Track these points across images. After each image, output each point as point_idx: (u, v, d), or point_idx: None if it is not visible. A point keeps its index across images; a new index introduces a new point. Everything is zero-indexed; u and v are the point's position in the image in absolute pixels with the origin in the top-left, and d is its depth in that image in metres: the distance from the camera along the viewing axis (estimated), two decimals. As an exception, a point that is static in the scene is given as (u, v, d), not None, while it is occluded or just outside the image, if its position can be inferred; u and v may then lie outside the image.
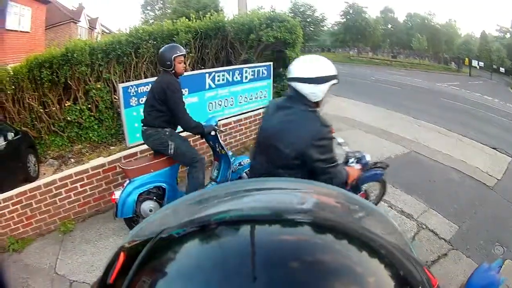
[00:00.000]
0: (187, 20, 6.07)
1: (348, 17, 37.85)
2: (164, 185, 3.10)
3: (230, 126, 4.90)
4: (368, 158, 2.34)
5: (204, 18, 6.23)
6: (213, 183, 3.38)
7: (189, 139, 3.52)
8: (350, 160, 2.30)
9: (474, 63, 32.32)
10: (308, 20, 34.64)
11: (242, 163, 3.54)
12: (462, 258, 3.30)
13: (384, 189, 3.34)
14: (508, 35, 36.24)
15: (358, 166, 2.23)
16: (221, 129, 3.63)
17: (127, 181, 3.05)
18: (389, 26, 36.12)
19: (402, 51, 32.63)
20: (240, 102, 5.54)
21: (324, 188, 0.84)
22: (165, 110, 3.01)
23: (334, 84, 1.70)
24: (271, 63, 5.92)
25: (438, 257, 3.30)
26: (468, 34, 37.58)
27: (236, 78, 5.40)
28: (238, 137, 5.09)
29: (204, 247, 0.60)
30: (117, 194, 3.00)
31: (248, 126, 5.12)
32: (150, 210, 3.05)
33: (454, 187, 5.06)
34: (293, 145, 1.66)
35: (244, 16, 6.56)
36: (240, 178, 3.52)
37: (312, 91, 1.66)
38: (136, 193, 2.98)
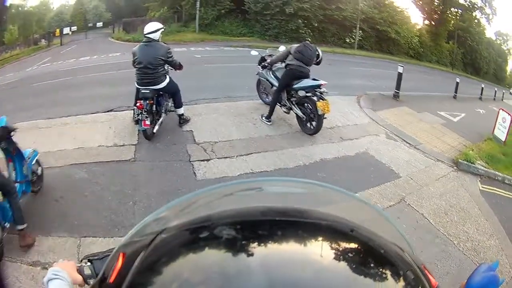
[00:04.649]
0: None
1: None
2: None
3: None
4: None
5: None
6: (17, 184, 3.17)
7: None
8: None
9: (66, 30, 29.81)
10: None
11: (29, 156, 3.48)
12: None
13: None
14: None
15: None
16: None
17: None
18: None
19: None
20: None
21: (322, 187, 0.85)
22: None
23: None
24: None
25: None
26: (61, 5, 36.87)
27: None
28: None
29: (205, 248, 0.60)
30: None
31: None
32: None
33: (89, 187, 3.71)
34: None
35: None
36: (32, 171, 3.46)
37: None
38: None
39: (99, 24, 31.40)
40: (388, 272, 0.58)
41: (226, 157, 4.33)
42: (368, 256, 0.60)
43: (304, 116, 5.08)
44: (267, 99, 5.83)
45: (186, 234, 0.62)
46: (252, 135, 4.97)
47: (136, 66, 4.65)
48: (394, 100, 8.58)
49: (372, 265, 0.58)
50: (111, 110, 5.83)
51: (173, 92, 4.88)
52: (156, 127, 4.72)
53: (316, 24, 19.65)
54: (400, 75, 8.61)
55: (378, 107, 7.51)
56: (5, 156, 3.30)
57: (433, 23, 26.40)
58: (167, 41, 5.42)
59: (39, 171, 3.66)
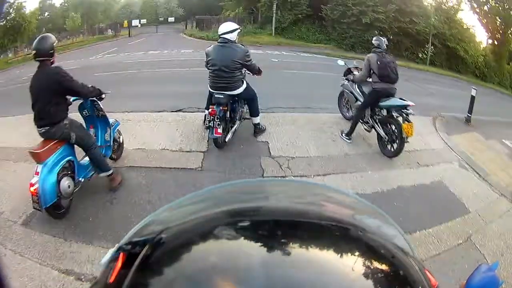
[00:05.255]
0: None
1: (8, 18, 29.91)
2: (71, 157, 3.12)
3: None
4: None
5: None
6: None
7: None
8: None
9: (135, 22, 31.44)
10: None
11: (112, 124, 3.75)
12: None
13: None
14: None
15: None
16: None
17: (39, 166, 2.88)
18: (46, 14, 31.72)
19: (57, 35, 28.86)
20: None
21: (325, 188, 0.89)
22: (62, 101, 3.07)
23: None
24: None
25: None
26: (127, -2, 37.44)
27: None
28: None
29: (205, 247, 0.61)
30: (36, 184, 2.79)
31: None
32: (69, 187, 3.03)
33: (146, 194, 3.48)
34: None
35: None
36: (114, 138, 3.79)
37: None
38: (55, 174, 2.89)
39: (171, 19, 32.32)
40: (389, 273, 0.58)
41: (303, 176, 3.96)
42: (369, 256, 0.60)
43: (386, 136, 4.71)
44: (347, 114, 5.46)
45: (186, 234, 0.62)
46: (330, 152, 4.59)
47: (210, 68, 4.30)
48: (466, 125, 8.23)
49: (372, 265, 0.58)
50: (179, 110, 5.58)
51: (249, 99, 4.53)
52: (229, 136, 4.42)
53: (391, 37, 19.12)
54: (473, 99, 8.15)
55: (451, 131, 7.11)
56: (86, 123, 3.57)
57: (496, 42, 25.67)
58: (243, 42, 5.16)
59: (120, 140, 4.03)
